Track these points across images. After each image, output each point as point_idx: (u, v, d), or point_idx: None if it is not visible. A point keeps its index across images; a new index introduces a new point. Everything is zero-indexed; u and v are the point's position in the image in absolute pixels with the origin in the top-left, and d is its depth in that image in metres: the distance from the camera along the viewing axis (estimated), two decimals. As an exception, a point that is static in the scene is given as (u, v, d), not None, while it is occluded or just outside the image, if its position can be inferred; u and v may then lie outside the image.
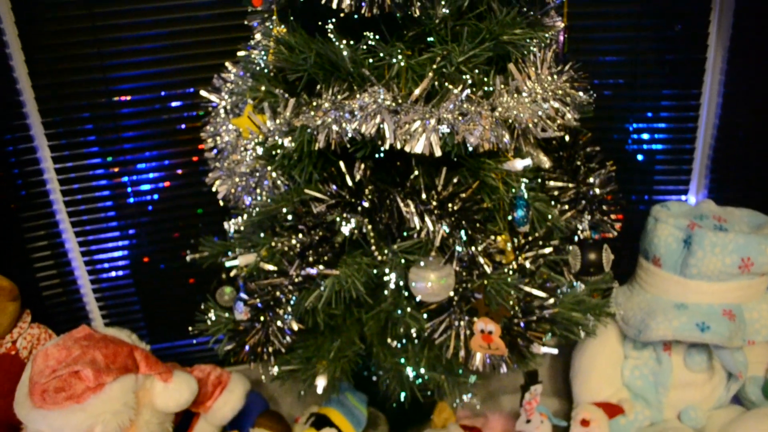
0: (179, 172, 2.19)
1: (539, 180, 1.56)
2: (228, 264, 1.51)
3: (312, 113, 1.34)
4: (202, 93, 1.72)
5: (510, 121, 1.31)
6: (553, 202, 1.56)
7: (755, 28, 2.06)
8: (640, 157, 2.28)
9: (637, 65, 2.16)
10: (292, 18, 1.46)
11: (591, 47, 2.15)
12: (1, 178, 2.10)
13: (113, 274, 2.32)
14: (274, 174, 1.49)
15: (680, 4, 2.09)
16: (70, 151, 2.14)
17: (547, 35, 1.46)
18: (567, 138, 1.63)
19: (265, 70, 1.53)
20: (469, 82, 1.33)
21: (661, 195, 2.33)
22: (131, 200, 2.22)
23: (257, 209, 1.49)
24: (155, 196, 2.22)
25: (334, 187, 1.36)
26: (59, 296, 2.31)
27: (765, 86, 2.11)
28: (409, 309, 1.49)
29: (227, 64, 1.71)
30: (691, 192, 2.35)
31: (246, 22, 1.62)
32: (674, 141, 2.26)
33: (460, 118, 1.26)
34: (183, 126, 2.13)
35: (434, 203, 1.33)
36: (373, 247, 1.41)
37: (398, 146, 1.26)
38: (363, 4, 1.27)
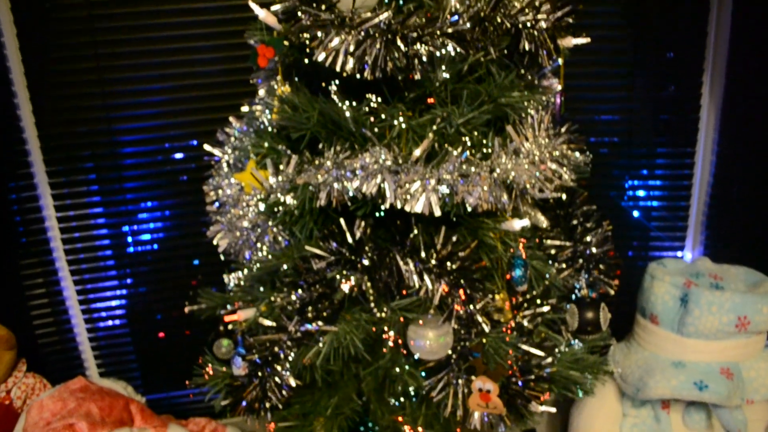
0: (179, 223, 2.21)
1: (537, 239, 1.57)
2: (228, 319, 1.51)
3: (314, 171, 1.36)
4: (206, 147, 1.75)
5: (508, 182, 1.34)
6: (550, 261, 1.57)
7: (747, 89, 2.11)
8: (636, 213, 2.30)
9: (632, 124, 2.21)
10: (296, 78, 1.49)
11: (587, 106, 2.20)
12: (2, 225, 2.12)
13: (110, 323, 2.31)
14: (275, 229, 1.50)
15: (673, 66, 2.14)
16: (72, 200, 2.16)
17: (544, 98, 1.50)
18: (564, 197, 1.65)
19: (269, 128, 1.56)
20: (469, 143, 1.36)
21: (658, 251, 2.35)
22: (131, 249, 2.23)
23: (258, 264, 1.51)
24: (155, 246, 2.23)
25: (335, 244, 1.38)
26: (55, 344, 2.30)
27: (758, 145, 2.16)
28: (407, 366, 1.49)
29: (231, 118, 1.74)
30: (687, 248, 2.37)
31: (251, 81, 1.66)
32: (670, 198, 2.30)
33: (459, 179, 1.28)
34: (185, 177, 2.16)
35: (433, 262, 1.35)
36: (372, 305, 1.42)
37: (398, 206, 1.29)
38: (366, 67, 1.30)
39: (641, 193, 2.29)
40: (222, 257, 1.71)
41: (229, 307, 1.66)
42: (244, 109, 1.75)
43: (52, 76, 2.02)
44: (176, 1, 2.00)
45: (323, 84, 1.44)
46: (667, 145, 2.24)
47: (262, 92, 1.68)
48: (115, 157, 2.12)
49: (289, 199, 1.40)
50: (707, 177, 2.28)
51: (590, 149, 2.02)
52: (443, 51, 1.30)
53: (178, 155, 2.14)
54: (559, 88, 1.62)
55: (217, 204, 1.72)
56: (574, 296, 1.59)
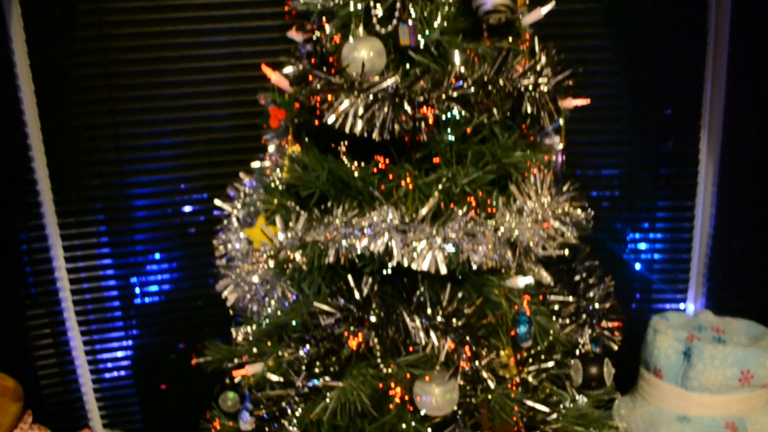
0: (187, 275, 2.24)
1: (541, 295, 1.60)
2: (236, 374, 1.53)
3: (323, 229, 1.40)
4: (216, 202, 1.79)
5: (512, 240, 1.37)
6: (554, 317, 1.59)
7: (745, 143, 2.16)
8: (638, 265, 2.33)
9: (632, 178, 2.25)
10: (306, 137, 1.54)
11: (588, 161, 2.24)
12: (12, 275, 2.14)
13: (115, 374, 2.32)
14: (283, 285, 1.53)
15: (671, 121, 2.20)
16: (83, 252, 2.20)
17: (546, 157, 1.54)
18: (567, 252, 1.68)
19: (279, 185, 1.60)
20: (473, 203, 1.40)
21: (660, 303, 2.37)
22: (138, 301, 2.26)
23: (266, 319, 1.53)
24: (162, 298, 2.26)
25: (342, 300, 1.40)
26: (60, 395, 2.30)
27: (757, 198, 2.19)
28: (413, 422, 1.49)
29: (241, 174, 1.79)
30: (690, 300, 2.39)
31: (262, 141, 1.71)
32: (671, 251, 2.33)
33: (464, 237, 1.32)
34: (193, 230, 2.19)
35: (439, 319, 1.37)
36: (379, 361, 1.44)
37: (405, 263, 1.32)
38: (374, 128, 1.35)
39: (643, 246, 2.32)
40: (231, 311, 1.73)
41: (236, 360, 1.67)
42: (255, 164, 1.80)
43: (67, 130, 2.08)
44: (190, 59, 2.07)
45: (332, 144, 1.49)
46: (668, 199, 2.28)
47: (272, 148, 1.72)
48: (127, 210, 2.16)
49: (298, 256, 1.43)
50: (707, 229, 2.31)
51: (592, 203, 2.07)
52: (448, 114, 1.35)
53: (188, 208, 2.18)
54: (561, 146, 1.67)
55: (226, 258, 1.75)
56: (578, 351, 1.60)
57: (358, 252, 1.34)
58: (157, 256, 2.22)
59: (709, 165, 2.26)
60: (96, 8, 2.00)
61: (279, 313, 1.52)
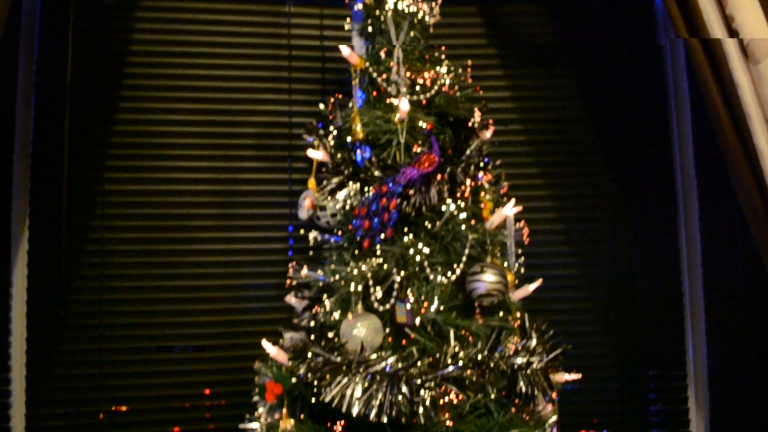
0: None
1: None
2: None
3: None
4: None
5: None
6: None
7: (732, 399, 2.17)
8: None
9: (623, 416, 2.24)
10: (300, 412, 1.53)
11: (579, 420, 2.22)
12: None
13: None
14: None
15: (658, 382, 2.24)
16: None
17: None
18: None
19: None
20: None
21: None
22: None
23: None
24: None
25: None
26: None
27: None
28: None
29: (230, 437, 1.74)
30: None
31: (254, 414, 1.69)
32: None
33: None
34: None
35: None
36: None
37: None
38: (371, 410, 1.36)
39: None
40: None
41: None
42: (244, 426, 1.74)
43: (54, 378, 2.05)
44: (185, 314, 2.12)
45: (329, 423, 1.48)
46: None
47: (261, 409, 1.68)
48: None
49: None
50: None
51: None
52: (445, 399, 1.36)
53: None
54: (555, 418, 1.67)
55: None
56: None
57: None
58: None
59: (699, 424, 2.25)
60: (100, 261, 2.08)
61: None
